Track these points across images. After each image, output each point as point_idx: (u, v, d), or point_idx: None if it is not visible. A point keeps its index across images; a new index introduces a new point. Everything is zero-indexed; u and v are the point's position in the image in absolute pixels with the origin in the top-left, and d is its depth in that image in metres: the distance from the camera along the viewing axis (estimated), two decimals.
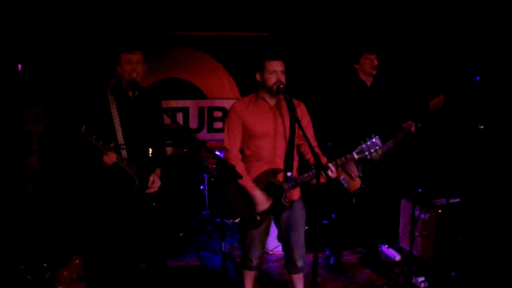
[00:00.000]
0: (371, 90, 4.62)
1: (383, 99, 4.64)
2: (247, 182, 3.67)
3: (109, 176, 3.71)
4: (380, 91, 4.65)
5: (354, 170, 4.59)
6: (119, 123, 3.67)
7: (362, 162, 4.63)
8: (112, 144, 3.50)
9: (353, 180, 4.63)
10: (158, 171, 3.85)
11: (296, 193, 3.87)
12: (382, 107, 4.63)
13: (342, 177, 4.65)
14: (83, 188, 5.78)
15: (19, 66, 5.51)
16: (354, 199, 4.84)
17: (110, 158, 3.50)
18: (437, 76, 5.53)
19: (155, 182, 3.78)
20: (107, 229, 4.02)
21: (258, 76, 3.72)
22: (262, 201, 3.69)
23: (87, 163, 3.76)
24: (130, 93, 3.72)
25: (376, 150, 3.58)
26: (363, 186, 4.69)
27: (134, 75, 3.64)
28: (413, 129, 4.55)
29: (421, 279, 4.57)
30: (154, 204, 3.82)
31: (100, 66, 5.92)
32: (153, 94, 3.92)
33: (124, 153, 3.68)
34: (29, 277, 4.38)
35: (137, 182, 3.71)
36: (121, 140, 3.67)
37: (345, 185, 4.66)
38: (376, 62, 4.51)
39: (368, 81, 4.62)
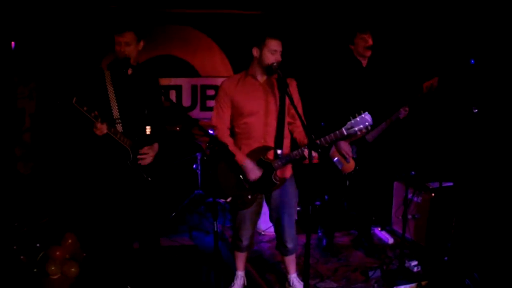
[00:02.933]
0: (366, 71, 4.56)
1: (378, 80, 4.57)
2: (237, 154, 3.63)
3: (102, 149, 3.73)
4: (375, 72, 4.58)
5: (348, 151, 4.49)
6: (114, 97, 3.68)
7: (356, 144, 4.60)
8: (96, 112, 3.46)
9: (347, 162, 4.56)
10: (155, 145, 3.84)
11: (287, 171, 3.85)
12: (376, 88, 4.56)
13: (336, 158, 4.59)
14: (76, 164, 5.77)
15: (12, 43, 5.44)
16: (348, 181, 4.80)
17: (101, 130, 3.49)
18: (431, 59, 5.46)
19: (148, 154, 3.76)
20: (100, 204, 4.02)
21: (255, 51, 3.64)
22: (253, 170, 3.67)
23: (79, 136, 3.74)
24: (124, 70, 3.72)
25: (366, 126, 3.45)
26: (357, 168, 4.64)
27: (125, 55, 3.62)
28: (401, 115, 4.52)
29: (414, 263, 4.53)
30: (149, 178, 3.82)
31: (93, 43, 5.86)
32: (150, 71, 3.91)
33: (119, 127, 3.68)
34: (21, 257, 4.37)
35: (131, 156, 3.71)
36: (116, 114, 3.69)
37: (339, 166, 4.61)
38: (370, 42, 4.42)
39: (364, 62, 4.56)
